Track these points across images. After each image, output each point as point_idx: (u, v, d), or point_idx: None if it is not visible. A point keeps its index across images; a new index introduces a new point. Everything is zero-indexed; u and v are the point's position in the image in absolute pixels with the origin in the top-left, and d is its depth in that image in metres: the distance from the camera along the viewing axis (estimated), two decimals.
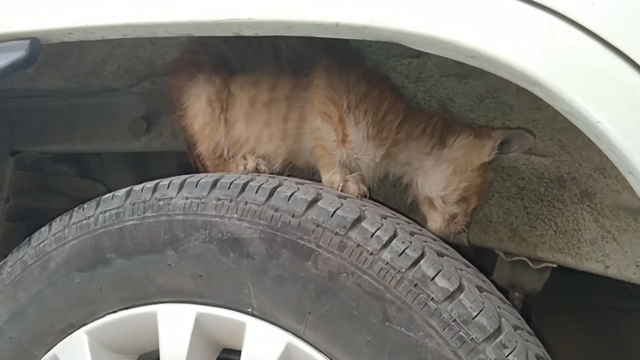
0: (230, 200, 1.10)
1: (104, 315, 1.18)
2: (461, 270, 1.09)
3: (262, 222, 1.07)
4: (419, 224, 1.28)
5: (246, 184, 1.12)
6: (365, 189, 1.24)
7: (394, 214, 1.20)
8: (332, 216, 1.06)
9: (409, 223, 1.19)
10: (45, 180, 1.94)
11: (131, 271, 1.14)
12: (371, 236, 1.04)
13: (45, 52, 1.19)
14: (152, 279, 1.13)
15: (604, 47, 0.85)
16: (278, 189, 1.10)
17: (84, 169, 2.13)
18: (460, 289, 1.02)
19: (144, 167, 2.05)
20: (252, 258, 1.06)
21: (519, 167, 1.41)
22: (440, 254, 1.09)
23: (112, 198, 1.19)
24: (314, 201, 1.08)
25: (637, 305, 1.68)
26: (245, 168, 1.33)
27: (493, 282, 1.58)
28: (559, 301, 1.84)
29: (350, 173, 1.26)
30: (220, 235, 1.08)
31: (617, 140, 0.84)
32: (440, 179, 1.26)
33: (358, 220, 1.06)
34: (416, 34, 0.92)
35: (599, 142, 0.87)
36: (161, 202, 1.14)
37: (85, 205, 1.23)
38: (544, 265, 1.43)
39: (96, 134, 1.75)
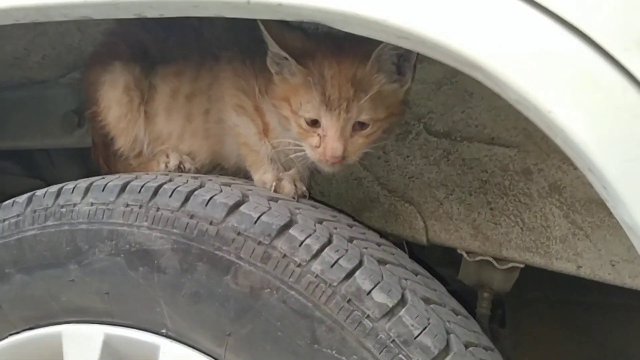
0: (140, 206, 0.96)
1: (6, 337, 1.05)
2: (406, 279, 0.95)
3: (175, 231, 0.93)
4: (367, 226, 1.15)
5: (159, 186, 0.98)
6: (304, 189, 1.10)
7: (334, 217, 1.06)
8: (255, 223, 0.92)
9: (350, 227, 1.05)
10: None
11: (32, 288, 1.01)
12: (300, 245, 0.90)
13: None
14: (55, 297, 0.99)
15: (554, 22, 0.72)
16: (196, 192, 0.96)
17: (30, 167, 1.99)
18: (401, 303, 0.89)
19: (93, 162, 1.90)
20: (164, 272, 0.93)
21: (481, 159, 1.28)
22: (382, 262, 0.96)
23: (13, 205, 1.05)
24: (236, 205, 0.94)
25: (621, 300, 1.56)
26: (166, 166, 1.18)
27: (459, 282, 1.48)
28: (535, 297, 1.71)
29: (286, 171, 1.12)
30: (128, 246, 0.95)
31: (572, 133, 0.71)
32: None
33: (286, 226, 0.93)
34: (338, 12, 0.79)
35: (553, 134, 0.74)
36: (64, 209, 1.00)
37: None
38: (510, 265, 1.31)
39: (27, 129, 1.61)
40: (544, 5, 0.72)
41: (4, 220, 1.04)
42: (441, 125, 1.29)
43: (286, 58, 1.00)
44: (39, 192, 1.04)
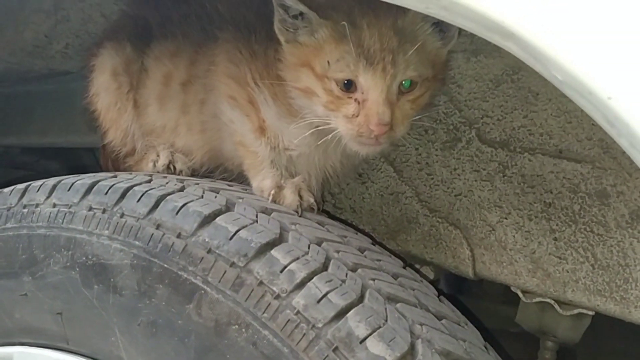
0: (104, 211, 0.81)
1: None
2: (422, 325, 0.74)
3: (137, 243, 0.78)
4: (390, 252, 0.94)
5: (130, 188, 0.82)
6: (311, 200, 0.91)
7: (343, 237, 0.86)
8: (231, 239, 0.75)
9: (362, 251, 0.85)
10: (11, 177, 1.72)
11: None
12: (281, 270, 0.72)
13: None
14: (8, 312, 0.86)
15: None
16: (168, 197, 0.80)
17: (77, 167, 1.92)
18: (408, 357, 0.68)
19: None
20: (120, 294, 0.77)
21: (546, 176, 1.08)
22: (392, 299, 0.75)
23: None
24: (212, 216, 0.77)
25: None
26: (155, 165, 1.02)
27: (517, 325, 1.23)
28: (614, 349, 1.46)
29: (292, 177, 0.93)
30: (84, 258, 0.80)
31: None
32: None
33: (269, 245, 0.74)
34: None
35: (615, 132, 0.52)
36: (25, 210, 0.87)
37: None
38: (577, 311, 1.05)
39: (51, 125, 1.53)
40: None
41: None
42: (497, 133, 1.12)
43: (303, 13, 0.82)
44: (6, 190, 0.92)
